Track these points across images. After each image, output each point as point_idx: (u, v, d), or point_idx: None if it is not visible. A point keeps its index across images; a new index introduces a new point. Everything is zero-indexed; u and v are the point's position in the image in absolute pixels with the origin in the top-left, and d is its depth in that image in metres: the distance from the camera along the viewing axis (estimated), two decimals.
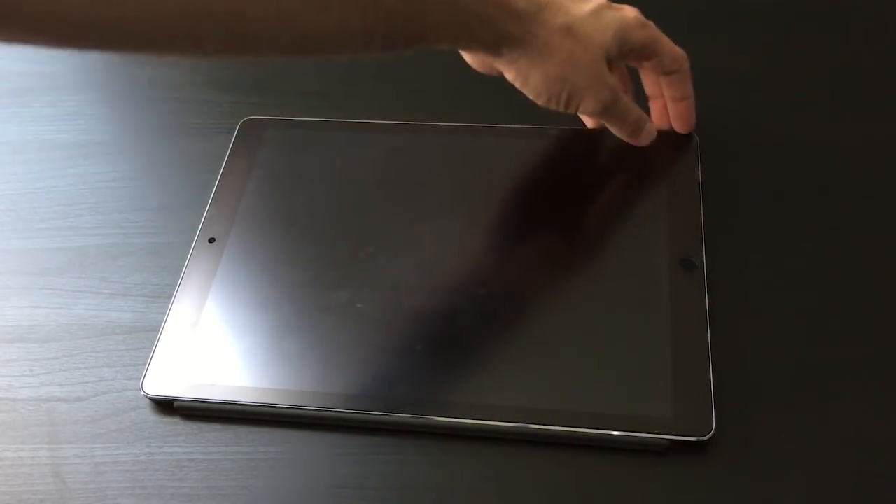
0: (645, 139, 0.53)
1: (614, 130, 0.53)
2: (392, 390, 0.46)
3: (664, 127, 0.55)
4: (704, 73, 0.60)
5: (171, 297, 0.51)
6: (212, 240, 0.53)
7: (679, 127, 0.55)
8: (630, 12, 0.50)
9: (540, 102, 0.50)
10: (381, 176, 0.56)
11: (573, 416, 0.44)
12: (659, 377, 0.45)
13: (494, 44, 0.47)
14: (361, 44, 0.43)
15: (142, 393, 0.47)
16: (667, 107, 0.55)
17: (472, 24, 0.45)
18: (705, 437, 0.43)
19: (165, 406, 0.48)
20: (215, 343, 0.49)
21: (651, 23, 0.51)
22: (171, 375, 0.48)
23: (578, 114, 0.52)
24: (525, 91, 0.49)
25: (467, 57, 0.52)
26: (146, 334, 0.50)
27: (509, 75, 0.49)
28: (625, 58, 0.51)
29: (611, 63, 0.50)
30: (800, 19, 0.63)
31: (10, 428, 0.48)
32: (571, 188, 0.55)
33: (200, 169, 0.58)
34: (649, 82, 0.55)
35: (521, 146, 0.57)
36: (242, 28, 0.39)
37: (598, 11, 0.48)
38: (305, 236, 0.53)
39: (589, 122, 0.56)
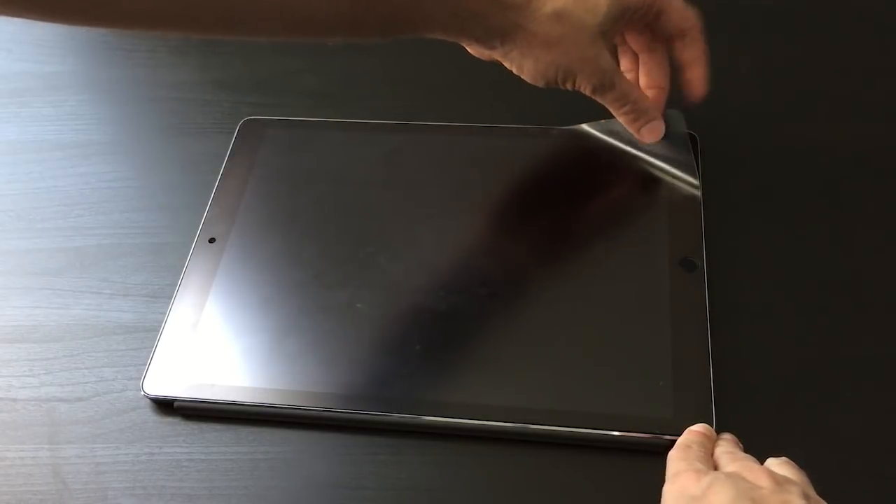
0: (647, 135, 0.52)
1: (615, 115, 0.52)
2: (392, 390, 0.46)
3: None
4: None
5: (171, 297, 0.51)
6: (212, 240, 0.53)
7: (691, 93, 0.52)
8: None
9: (539, 85, 0.49)
10: (381, 176, 0.56)
11: (573, 416, 0.44)
12: (659, 377, 0.45)
13: (485, 37, 0.47)
14: (350, 29, 0.45)
15: (142, 393, 0.47)
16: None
17: (464, 17, 0.46)
18: None
19: (165, 406, 0.48)
20: (215, 343, 0.49)
21: None
22: (171, 375, 0.48)
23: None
24: (522, 77, 0.49)
25: (466, 45, 0.52)
26: (146, 334, 0.50)
27: (505, 63, 0.50)
28: (630, 25, 0.50)
29: (614, 37, 0.50)
30: (800, 19, 0.63)
31: (10, 428, 0.48)
32: (572, 188, 0.55)
33: (200, 169, 0.58)
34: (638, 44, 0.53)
35: (522, 146, 0.57)
36: (233, 12, 0.42)
37: None
38: (305, 236, 0.53)
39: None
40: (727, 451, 0.41)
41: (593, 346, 0.47)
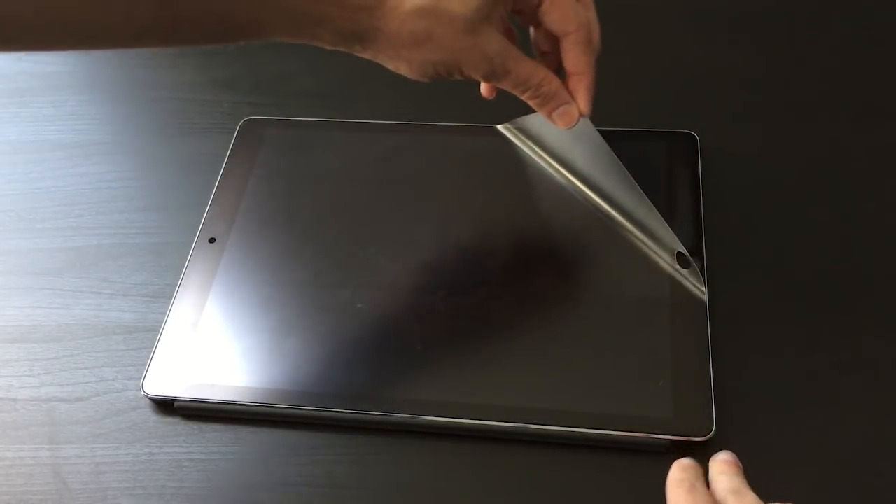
0: (559, 121, 0.47)
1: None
2: (392, 390, 0.46)
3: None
4: (705, 73, 0.60)
5: (171, 297, 0.51)
6: (212, 240, 0.53)
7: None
8: None
9: (427, 81, 0.45)
10: (381, 176, 0.56)
11: (573, 416, 0.44)
12: (659, 377, 0.45)
13: (339, 41, 0.43)
14: (163, 37, 0.41)
15: (142, 393, 0.47)
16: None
17: (304, 23, 0.42)
18: (706, 437, 0.43)
19: (165, 406, 0.48)
20: (215, 343, 0.49)
21: None
22: (171, 375, 0.48)
23: None
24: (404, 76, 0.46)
25: None
26: (146, 334, 0.50)
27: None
28: (513, 8, 0.45)
29: (502, 19, 0.45)
30: (800, 20, 0.63)
31: (10, 428, 0.48)
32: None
33: (200, 169, 0.58)
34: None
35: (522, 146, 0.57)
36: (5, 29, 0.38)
37: None
38: (305, 236, 0.53)
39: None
40: (732, 488, 0.38)
41: (593, 346, 0.47)
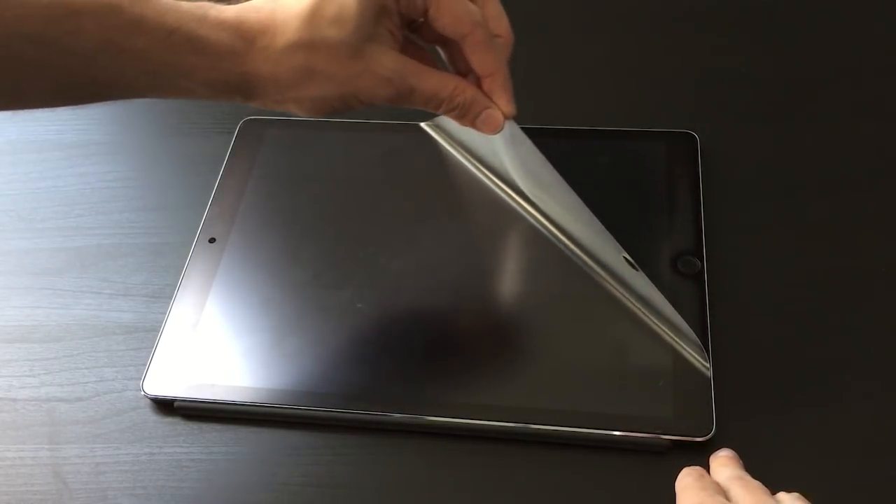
0: (483, 127, 0.44)
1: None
2: (392, 390, 0.46)
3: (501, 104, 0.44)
4: (705, 73, 0.60)
5: (171, 297, 0.51)
6: (212, 240, 0.53)
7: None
8: None
9: (325, 116, 0.42)
10: (381, 176, 0.56)
11: (573, 416, 0.44)
12: (659, 377, 0.45)
13: (218, 93, 0.40)
14: (11, 100, 0.38)
15: (142, 393, 0.47)
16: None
17: (167, 75, 0.38)
18: (706, 438, 0.43)
19: (166, 406, 0.48)
20: (215, 343, 0.49)
21: None
22: (171, 375, 0.48)
23: None
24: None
25: None
26: (146, 334, 0.50)
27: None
28: (403, 21, 0.42)
29: (391, 35, 0.41)
30: (800, 19, 0.63)
31: (10, 428, 0.48)
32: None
33: (200, 169, 0.58)
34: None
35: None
36: None
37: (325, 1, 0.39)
38: (306, 236, 0.53)
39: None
40: (736, 476, 0.40)
41: (594, 346, 0.47)
